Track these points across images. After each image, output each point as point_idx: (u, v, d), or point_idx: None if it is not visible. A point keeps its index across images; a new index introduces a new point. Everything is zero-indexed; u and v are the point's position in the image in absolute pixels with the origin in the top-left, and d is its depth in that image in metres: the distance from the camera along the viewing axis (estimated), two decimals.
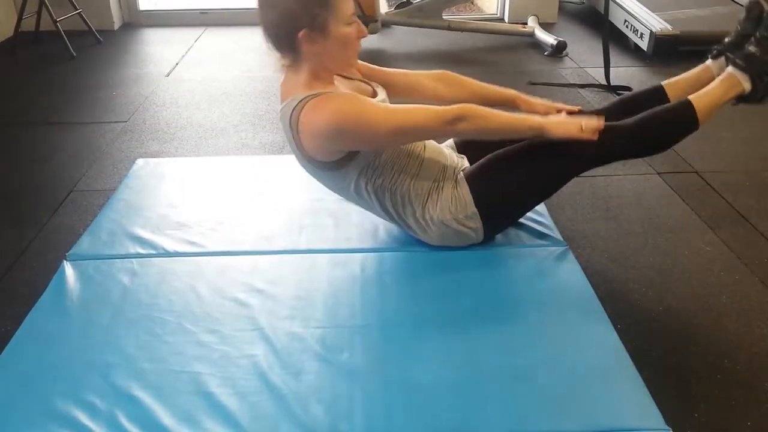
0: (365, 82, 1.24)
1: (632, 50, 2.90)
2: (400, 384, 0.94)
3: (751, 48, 1.26)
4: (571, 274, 1.18)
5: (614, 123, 1.20)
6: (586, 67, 2.73)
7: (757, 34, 1.27)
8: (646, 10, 2.93)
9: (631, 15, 2.91)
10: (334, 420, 0.88)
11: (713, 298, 1.29)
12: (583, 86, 2.51)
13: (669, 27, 2.75)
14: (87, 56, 2.92)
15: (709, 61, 1.37)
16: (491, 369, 0.96)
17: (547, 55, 2.90)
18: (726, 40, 1.35)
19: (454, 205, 1.18)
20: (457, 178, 1.21)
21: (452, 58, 2.91)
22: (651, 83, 2.61)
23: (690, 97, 1.24)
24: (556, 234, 1.31)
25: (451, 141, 1.36)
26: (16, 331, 1.05)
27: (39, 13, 2.95)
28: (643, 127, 1.21)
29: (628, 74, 2.61)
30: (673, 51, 2.73)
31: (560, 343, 1.01)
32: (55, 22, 2.86)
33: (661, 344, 1.16)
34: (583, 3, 3.66)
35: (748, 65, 1.25)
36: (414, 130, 1.10)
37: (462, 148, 1.33)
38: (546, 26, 3.21)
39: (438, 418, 0.88)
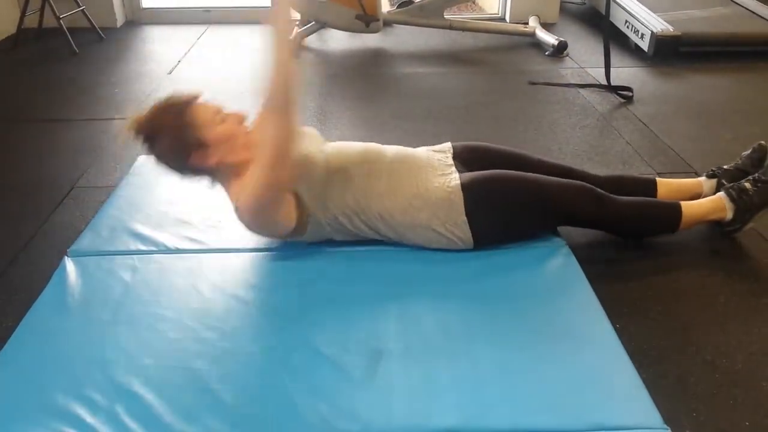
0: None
1: (633, 51, 2.89)
2: (399, 382, 0.94)
3: (747, 184, 1.37)
4: (570, 273, 1.18)
5: (614, 197, 1.30)
6: (587, 68, 2.73)
7: (756, 175, 1.38)
8: (647, 10, 2.93)
9: (632, 15, 2.91)
10: (334, 417, 0.88)
11: (712, 297, 1.29)
12: (583, 86, 2.51)
13: (670, 28, 2.75)
14: (89, 53, 2.92)
15: (703, 178, 1.49)
16: (490, 368, 0.96)
17: (547, 55, 2.90)
18: (725, 166, 1.48)
19: (444, 212, 1.18)
20: (450, 183, 1.21)
21: (453, 57, 2.91)
22: (651, 84, 2.60)
23: (681, 203, 1.35)
24: (555, 233, 1.31)
25: (447, 144, 1.36)
26: (17, 327, 1.05)
27: (42, 10, 2.96)
28: (634, 211, 1.32)
29: (629, 75, 2.61)
30: (674, 52, 2.73)
31: (559, 342, 1.01)
32: (57, 18, 2.87)
33: (659, 343, 1.16)
34: (584, 3, 3.66)
35: (738, 198, 1.36)
36: (281, 148, 1.05)
37: (465, 158, 1.33)
38: (547, 26, 3.21)
39: (437, 417, 0.88)
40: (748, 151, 1.49)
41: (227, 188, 1.20)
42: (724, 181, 1.45)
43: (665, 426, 0.87)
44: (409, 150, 1.29)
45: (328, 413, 0.89)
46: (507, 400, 0.90)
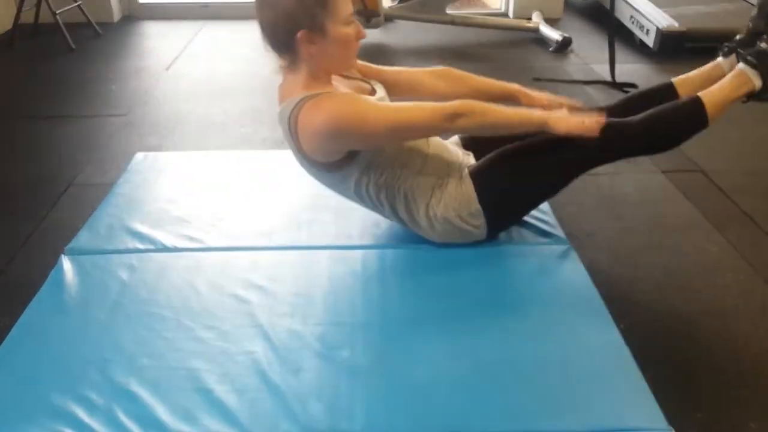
0: (364, 81, 1.23)
1: (638, 47, 2.87)
2: (400, 382, 0.93)
3: (763, 45, 1.25)
4: (573, 272, 1.17)
5: (621, 120, 1.18)
6: (591, 64, 2.71)
7: None
8: (652, 6, 2.90)
9: (637, 11, 2.88)
10: (334, 418, 0.87)
11: (717, 298, 1.28)
12: (588, 83, 2.48)
13: (675, 23, 2.72)
14: (86, 49, 2.90)
15: (720, 59, 1.35)
16: (493, 367, 0.95)
17: (551, 51, 2.87)
18: (737, 37, 1.33)
19: (458, 202, 1.17)
20: (462, 174, 1.19)
21: (456, 53, 2.89)
22: (656, 80, 2.57)
23: (700, 94, 1.22)
24: (559, 232, 1.29)
25: (456, 138, 1.35)
26: (14, 326, 1.04)
27: (38, 6, 2.93)
28: (651, 124, 1.19)
29: (634, 71, 2.59)
30: (680, 48, 2.70)
31: (563, 342, 1.00)
32: (54, 14, 2.85)
33: (663, 344, 1.15)
34: None
35: (759, 62, 1.24)
36: (412, 127, 1.09)
37: (468, 144, 1.32)
38: (551, 22, 3.18)
39: (439, 417, 0.87)
40: (756, 11, 1.31)
41: (295, 81, 1.09)
42: (740, 51, 1.28)
43: (669, 427, 0.86)
44: (445, 143, 1.27)
45: (327, 413, 0.87)
46: (509, 401, 0.89)
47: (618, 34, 2.63)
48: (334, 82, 1.13)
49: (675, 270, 1.36)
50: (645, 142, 1.22)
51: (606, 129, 1.14)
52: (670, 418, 0.87)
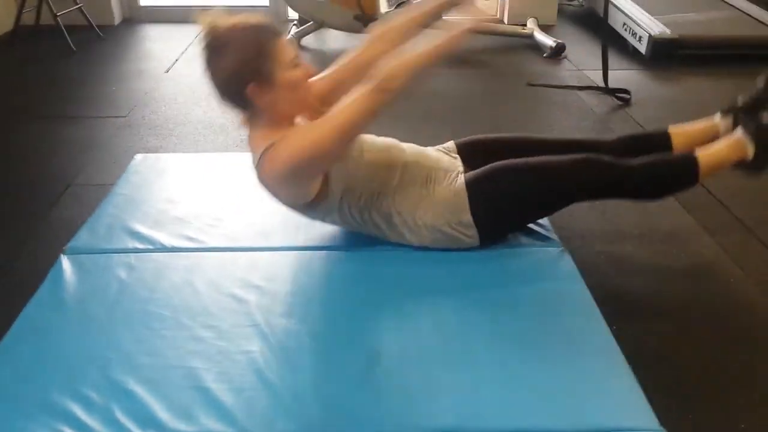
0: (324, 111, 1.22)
1: (631, 53, 2.90)
2: (396, 383, 0.94)
3: (766, 116, 1.26)
4: (567, 275, 1.18)
5: (623, 161, 1.22)
6: (585, 70, 2.74)
7: None
8: (645, 13, 2.94)
9: (630, 18, 2.92)
10: (331, 417, 0.88)
11: (709, 301, 1.30)
12: (581, 88, 2.51)
13: (667, 31, 2.76)
14: (87, 51, 2.91)
15: (717, 117, 1.37)
16: (487, 370, 0.96)
17: (545, 57, 2.91)
18: (739, 100, 1.34)
19: (449, 212, 1.18)
20: (455, 183, 1.20)
21: (451, 58, 2.91)
22: (649, 86, 2.59)
23: (696, 154, 1.24)
24: (552, 235, 1.31)
25: (451, 144, 1.36)
26: (13, 325, 1.04)
27: (39, 8, 2.94)
28: (647, 171, 1.23)
29: (627, 77, 2.62)
30: (672, 55, 2.74)
31: (555, 343, 1.01)
32: (55, 16, 2.85)
33: (656, 346, 1.16)
34: (582, 5, 3.67)
35: (758, 136, 1.25)
36: (356, 120, 1.05)
37: (465, 154, 1.32)
38: (545, 28, 3.21)
39: (434, 418, 0.88)
40: (763, 80, 1.31)
41: (257, 134, 1.11)
42: (742, 117, 1.29)
43: (661, 428, 0.87)
44: (424, 149, 1.28)
45: (324, 413, 0.88)
46: (503, 403, 0.90)
47: (611, 41, 2.66)
48: (298, 120, 1.14)
49: (667, 274, 1.38)
50: (639, 188, 1.24)
51: (607, 168, 1.18)
52: (662, 419, 0.88)
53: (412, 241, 1.21)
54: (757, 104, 1.31)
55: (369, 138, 1.24)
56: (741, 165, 1.27)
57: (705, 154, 1.25)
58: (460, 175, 1.23)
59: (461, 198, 1.18)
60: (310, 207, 1.16)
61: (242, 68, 1.04)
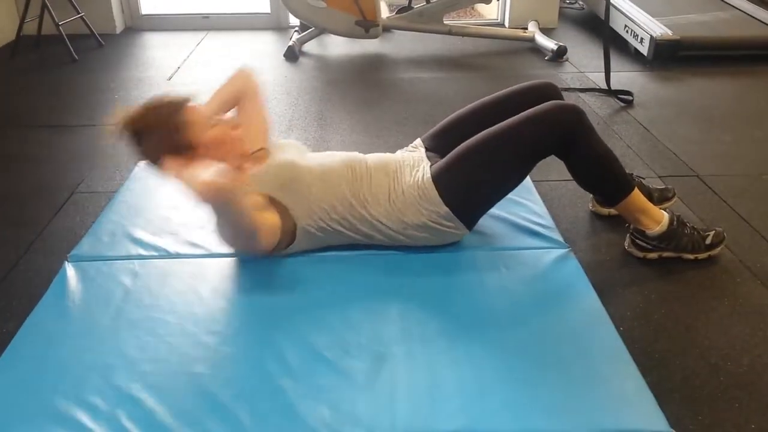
0: (261, 150, 1.24)
1: (632, 55, 2.91)
2: (402, 386, 0.93)
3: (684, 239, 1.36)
4: (573, 276, 1.18)
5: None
6: (587, 72, 2.74)
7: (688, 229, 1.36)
8: (647, 15, 2.94)
9: (632, 20, 2.93)
10: (337, 422, 0.87)
11: (715, 300, 1.29)
12: (583, 90, 2.51)
13: (669, 32, 2.76)
14: (89, 60, 2.93)
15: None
16: (494, 371, 0.95)
17: (547, 60, 2.91)
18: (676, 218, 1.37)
19: (424, 207, 1.19)
20: (421, 176, 1.21)
21: (453, 62, 2.92)
22: (651, 88, 2.59)
23: (636, 189, 1.31)
24: (557, 236, 1.31)
25: (417, 141, 1.37)
26: (17, 332, 1.05)
27: (41, 17, 2.96)
28: (605, 151, 1.27)
29: (629, 79, 2.62)
30: (673, 56, 2.74)
31: (563, 345, 1.01)
32: (57, 25, 2.88)
33: (663, 347, 1.15)
34: (583, 8, 3.68)
35: (666, 239, 1.35)
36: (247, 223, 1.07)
37: (435, 145, 1.33)
38: (546, 31, 3.22)
39: (440, 419, 0.87)
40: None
41: None
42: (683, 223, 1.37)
43: (671, 429, 0.86)
44: (386, 155, 1.30)
45: (331, 418, 0.88)
46: (511, 404, 0.89)
47: (613, 42, 2.67)
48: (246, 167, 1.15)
49: (673, 273, 1.37)
50: (590, 157, 1.26)
51: (574, 111, 1.20)
52: (671, 420, 0.87)
53: (406, 242, 1.22)
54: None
55: (319, 156, 1.26)
56: (637, 231, 1.36)
57: (640, 195, 1.31)
58: (426, 167, 1.23)
59: (431, 191, 1.18)
60: (283, 246, 1.18)
61: (164, 145, 1.09)
